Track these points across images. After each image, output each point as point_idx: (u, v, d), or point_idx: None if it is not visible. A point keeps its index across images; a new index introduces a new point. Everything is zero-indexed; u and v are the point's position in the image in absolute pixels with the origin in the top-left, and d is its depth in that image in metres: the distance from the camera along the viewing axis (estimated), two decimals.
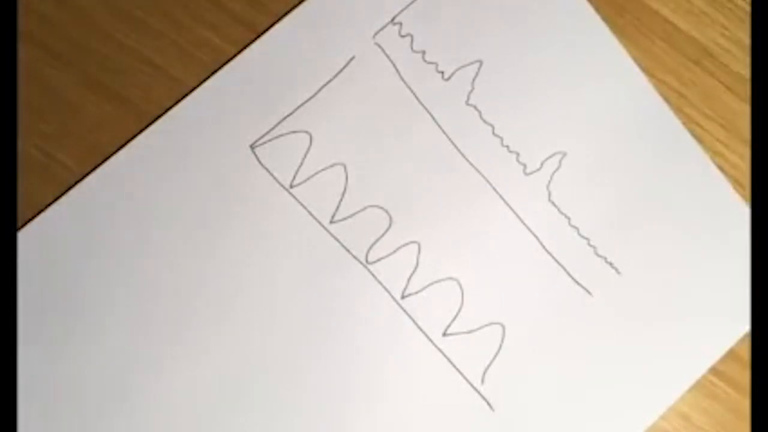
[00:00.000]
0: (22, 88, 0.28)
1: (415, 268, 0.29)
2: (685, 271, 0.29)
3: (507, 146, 0.29)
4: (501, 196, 0.29)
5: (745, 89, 0.30)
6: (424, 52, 0.29)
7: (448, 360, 0.28)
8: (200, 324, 0.28)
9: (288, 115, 0.29)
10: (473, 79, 0.29)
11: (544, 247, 0.29)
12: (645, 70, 0.30)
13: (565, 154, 0.29)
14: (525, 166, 0.29)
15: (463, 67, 0.29)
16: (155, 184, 0.28)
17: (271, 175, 0.28)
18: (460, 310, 0.29)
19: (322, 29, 0.29)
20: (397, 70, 0.29)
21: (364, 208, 0.29)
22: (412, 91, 0.29)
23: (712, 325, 0.29)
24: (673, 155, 0.29)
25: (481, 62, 0.29)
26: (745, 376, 0.29)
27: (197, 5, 0.29)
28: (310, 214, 0.28)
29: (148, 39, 0.28)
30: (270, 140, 0.28)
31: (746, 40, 0.30)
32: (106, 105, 0.28)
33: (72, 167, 0.28)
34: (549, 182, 0.29)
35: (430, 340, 0.28)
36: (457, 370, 0.28)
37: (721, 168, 0.30)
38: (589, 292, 0.29)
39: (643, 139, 0.29)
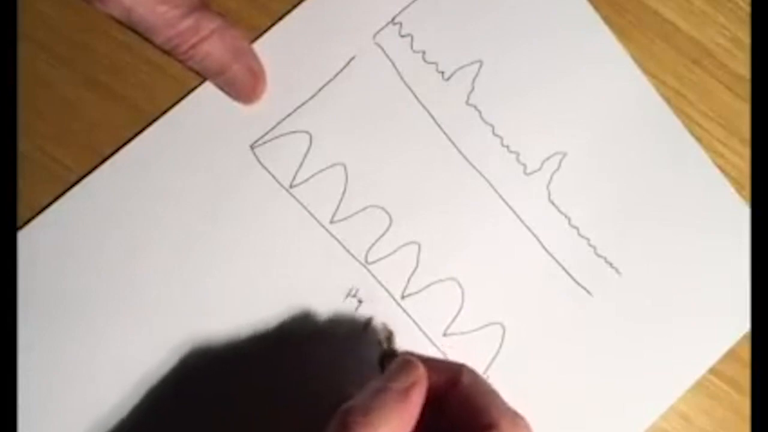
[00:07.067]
0: (22, 88, 0.28)
1: (415, 268, 0.29)
2: (686, 271, 0.29)
3: (507, 146, 0.29)
4: (501, 196, 0.29)
5: (745, 89, 0.30)
6: (424, 52, 0.29)
7: None
8: (200, 323, 0.28)
9: (288, 115, 0.29)
10: (473, 79, 0.29)
11: (544, 247, 0.29)
12: (645, 70, 0.30)
13: (565, 154, 0.29)
14: (525, 166, 0.29)
15: (463, 67, 0.29)
16: (155, 184, 0.28)
17: (271, 175, 0.28)
18: (460, 310, 0.29)
19: (322, 29, 0.29)
20: (397, 70, 0.29)
21: (364, 208, 0.29)
22: (412, 91, 0.29)
23: (712, 325, 0.29)
24: (673, 155, 0.29)
25: (481, 62, 0.29)
26: (745, 376, 0.29)
27: None
28: (310, 214, 0.28)
29: None
30: (270, 140, 0.28)
31: (746, 40, 0.30)
32: (106, 105, 0.28)
33: (72, 167, 0.28)
34: (549, 182, 0.29)
35: (431, 340, 0.28)
36: None
37: (721, 168, 0.30)
38: (589, 293, 0.29)
39: (643, 139, 0.29)
